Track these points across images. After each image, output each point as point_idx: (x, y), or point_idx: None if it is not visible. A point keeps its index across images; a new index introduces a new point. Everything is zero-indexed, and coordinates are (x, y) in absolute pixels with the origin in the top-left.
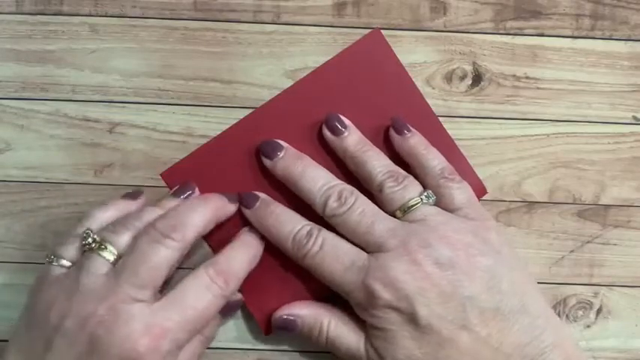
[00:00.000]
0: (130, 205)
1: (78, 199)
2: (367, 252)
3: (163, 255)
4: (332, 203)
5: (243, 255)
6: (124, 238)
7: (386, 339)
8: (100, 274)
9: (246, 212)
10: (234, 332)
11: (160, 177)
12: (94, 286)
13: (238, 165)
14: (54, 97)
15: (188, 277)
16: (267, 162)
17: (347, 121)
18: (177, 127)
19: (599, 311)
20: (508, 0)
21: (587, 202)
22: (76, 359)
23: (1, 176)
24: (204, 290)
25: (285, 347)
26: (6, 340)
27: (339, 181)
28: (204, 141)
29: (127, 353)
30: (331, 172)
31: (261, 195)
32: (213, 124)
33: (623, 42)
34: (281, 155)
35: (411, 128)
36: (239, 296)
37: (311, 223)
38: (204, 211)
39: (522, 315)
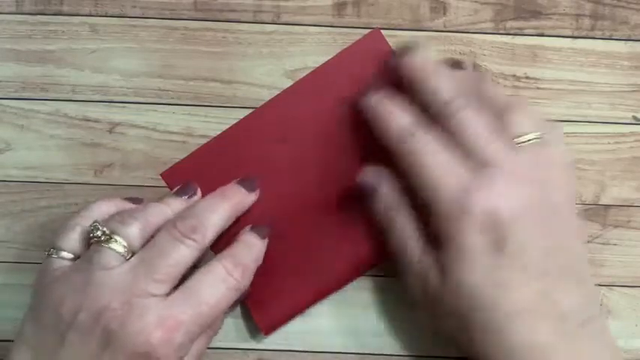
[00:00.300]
0: (131, 204)
1: (78, 199)
2: (473, 164)
3: (183, 253)
4: (460, 101)
5: (252, 250)
6: (134, 230)
7: (459, 259)
8: (113, 267)
9: (365, 100)
10: (234, 332)
11: (160, 177)
12: (108, 280)
13: (238, 165)
14: (54, 97)
15: (202, 270)
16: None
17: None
18: (177, 127)
19: None
20: (508, 0)
21: (587, 202)
22: (90, 353)
23: (1, 176)
24: (220, 283)
25: (286, 347)
26: (6, 340)
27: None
28: (204, 141)
29: (141, 346)
30: (331, 171)
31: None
32: (214, 124)
33: (623, 42)
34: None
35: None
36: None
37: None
38: (223, 210)
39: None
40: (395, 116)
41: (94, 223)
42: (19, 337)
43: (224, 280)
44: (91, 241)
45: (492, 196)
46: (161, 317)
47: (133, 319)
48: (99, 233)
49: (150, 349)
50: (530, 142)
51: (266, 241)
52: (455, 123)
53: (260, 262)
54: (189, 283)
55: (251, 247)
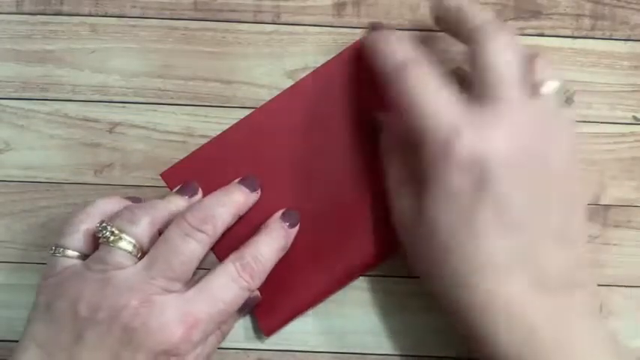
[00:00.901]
0: (131, 203)
1: (78, 199)
2: (475, 93)
3: (194, 248)
4: (494, 20)
5: (271, 247)
6: (142, 228)
7: (437, 197)
8: (127, 266)
9: (366, 37)
10: (234, 332)
11: (159, 177)
12: (124, 279)
13: (238, 165)
14: (54, 97)
15: (217, 269)
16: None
17: None
18: (177, 127)
19: (599, 311)
20: (508, 0)
21: (587, 203)
22: (109, 351)
23: (1, 176)
24: (232, 283)
25: (286, 347)
26: (6, 340)
27: None
28: (204, 141)
29: (163, 343)
30: (333, 171)
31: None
32: (214, 124)
33: (623, 42)
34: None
35: None
36: (256, 293)
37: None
38: (230, 205)
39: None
40: (392, 50)
41: (101, 223)
42: (27, 336)
43: (235, 280)
44: (100, 241)
45: (483, 139)
46: (182, 314)
47: (155, 316)
48: (107, 233)
49: (171, 346)
50: (551, 93)
51: (293, 231)
52: (477, 49)
53: (284, 253)
54: (204, 281)
55: (275, 241)
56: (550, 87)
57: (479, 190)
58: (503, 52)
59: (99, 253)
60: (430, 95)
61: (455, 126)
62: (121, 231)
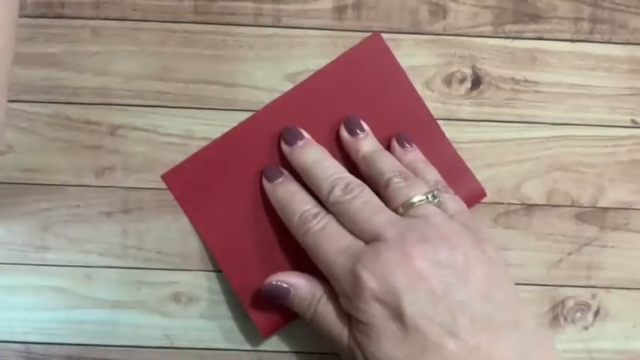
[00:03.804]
0: None
1: (79, 201)
2: (365, 242)
3: None
4: (338, 191)
5: None
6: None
7: (369, 334)
8: None
9: (266, 184)
10: (234, 333)
11: (161, 179)
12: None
13: (239, 167)
14: (55, 99)
15: None
16: (285, 148)
17: (366, 127)
18: (177, 129)
19: (596, 313)
20: (507, 4)
21: (585, 205)
22: None
23: (3, 178)
24: None
25: (285, 348)
26: (7, 342)
27: (350, 175)
28: (204, 144)
29: None
30: None
31: (285, 172)
32: (214, 126)
33: (622, 45)
34: (300, 143)
35: (412, 143)
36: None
37: (323, 209)
38: None
39: (514, 330)
40: (295, 202)
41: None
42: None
43: None
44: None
45: (379, 268)
46: None
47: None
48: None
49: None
50: (416, 205)
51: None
52: (338, 209)
53: None
54: None
55: None
56: (412, 202)
57: (399, 318)
58: (355, 201)
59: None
60: (331, 241)
61: (353, 264)
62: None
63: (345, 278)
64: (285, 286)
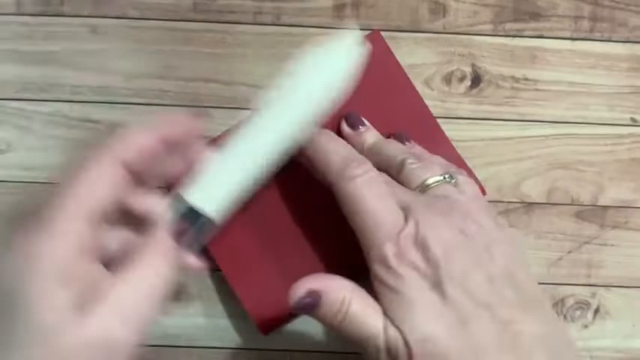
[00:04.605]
0: None
1: None
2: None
3: None
4: (410, 159)
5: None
6: None
7: (404, 306)
8: None
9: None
10: (232, 331)
11: None
12: None
13: None
14: (54, 98)
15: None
16: (348, 130)
17: (366, 121)
18: None
19: (596, 311)
20: (507, 2)
21: (585, 203)
22: None
23: (2, 176)
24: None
25: (286, 347)
26: None
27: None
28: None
29: None
30: None
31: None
32: (214, 124)
33: (622, 44)
34: (363, 129)
35: (411, 141)
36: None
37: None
38: None
39: (540, 307)
40: (335, 148)
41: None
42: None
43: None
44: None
45: (426, 221)
46: None
47: None
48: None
49: None
50: (432, 186)
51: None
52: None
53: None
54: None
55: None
56: (428, 183)
57: (439, 288)
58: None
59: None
60: (382, 189)
61: (395, 231)
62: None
63: (383, 243)
64: (317, 292)
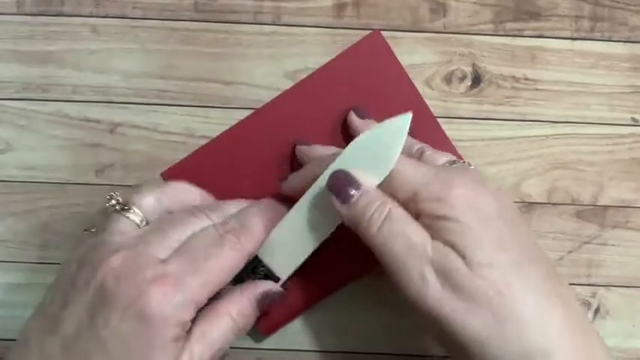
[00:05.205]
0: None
1: (79, 199)
2: None
3: (195, 224)
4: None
5: (259, 217)
6: (149, 201)
7: (464, 232)
8: (125, 231)
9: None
10: None
11: (160, 177)
12: (116, 241)
13: (238, 166)
14: (55, 97)
15: (198, 233)
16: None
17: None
18: (177, 127)
19: (597, 311)
20: (508, 1)
21: (585, 203)
22: (85, 312)
23: (3, 176)
24: (214, 243)
25: (285, 347)
26: (7, 340)
27: None
28: (204, 142)
29: (134, 302)
30: None
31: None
32: (214, 124)
33: (622, 43)
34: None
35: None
36: (278, 287)
37: None
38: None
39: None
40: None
41: (109, 193)
42: (35, 309)
43: (217, 238)
44: (109, 210)
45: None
46: (158, 274)
47: (129, 275)
48: (114, 202)
49: (143, 306)
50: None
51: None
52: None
53: (275, 221)
54: (185, 244)
55: (262, 211)
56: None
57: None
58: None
59: (107, 221)
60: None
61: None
62: (127, 201)
63: (434, 182)
64: (354, 178)
